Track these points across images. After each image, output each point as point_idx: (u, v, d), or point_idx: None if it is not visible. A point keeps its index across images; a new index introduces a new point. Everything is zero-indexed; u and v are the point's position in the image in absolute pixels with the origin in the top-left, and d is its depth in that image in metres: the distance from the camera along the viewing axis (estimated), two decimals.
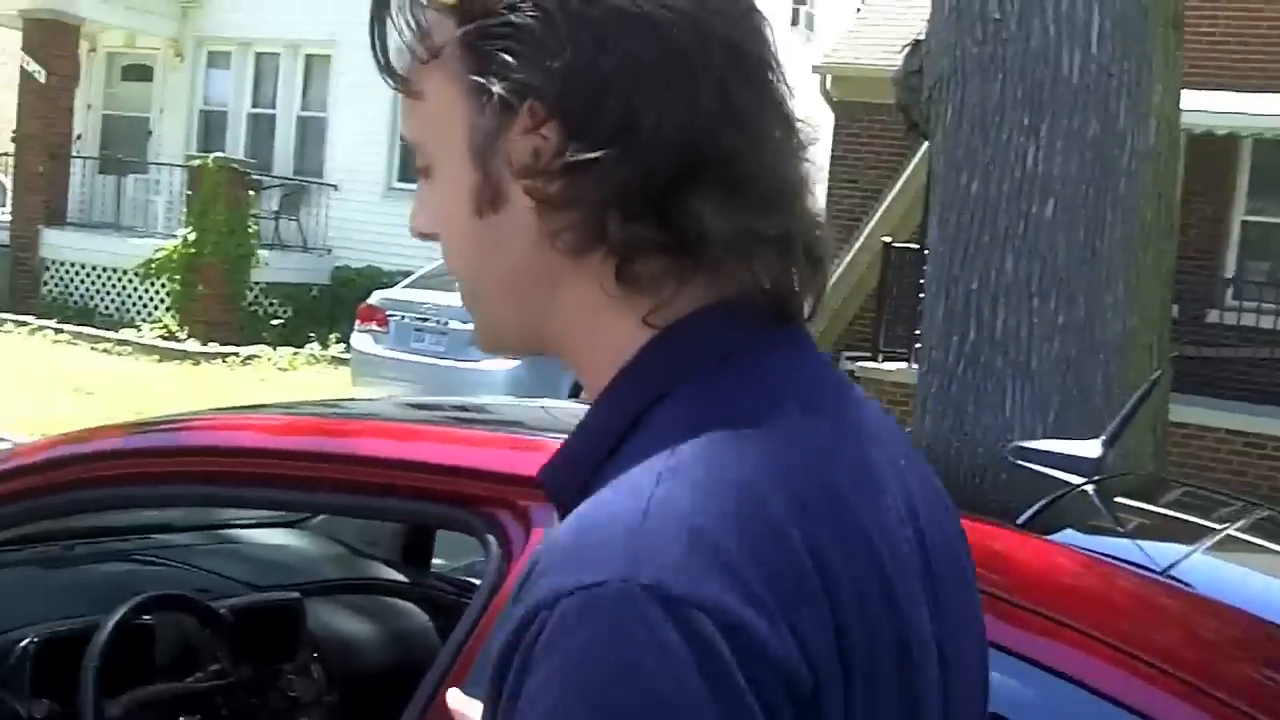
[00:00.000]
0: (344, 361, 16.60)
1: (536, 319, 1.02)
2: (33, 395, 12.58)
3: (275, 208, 19.11)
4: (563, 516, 0.94)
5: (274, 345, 17.01)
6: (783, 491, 0.90)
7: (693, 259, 0.97)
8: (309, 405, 2.96)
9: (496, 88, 0.96)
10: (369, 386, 12.96)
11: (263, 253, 17.82)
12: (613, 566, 0.84)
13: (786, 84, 1.03)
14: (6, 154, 20.15)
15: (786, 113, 1.02)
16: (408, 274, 17.81)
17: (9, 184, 19.87)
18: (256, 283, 18.01)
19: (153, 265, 17.56)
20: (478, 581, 2.91)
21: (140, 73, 21.27)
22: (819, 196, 15.78)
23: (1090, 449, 2.29)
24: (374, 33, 1.02)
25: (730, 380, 0.98)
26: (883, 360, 13.27)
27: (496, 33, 0.96)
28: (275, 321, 18.14)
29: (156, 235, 18.22)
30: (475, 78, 0.97)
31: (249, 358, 16.31)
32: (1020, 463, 2.37)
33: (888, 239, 14.09)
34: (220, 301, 17.40)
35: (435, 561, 3.38)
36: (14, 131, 19.77)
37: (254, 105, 20.46)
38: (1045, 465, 2.30)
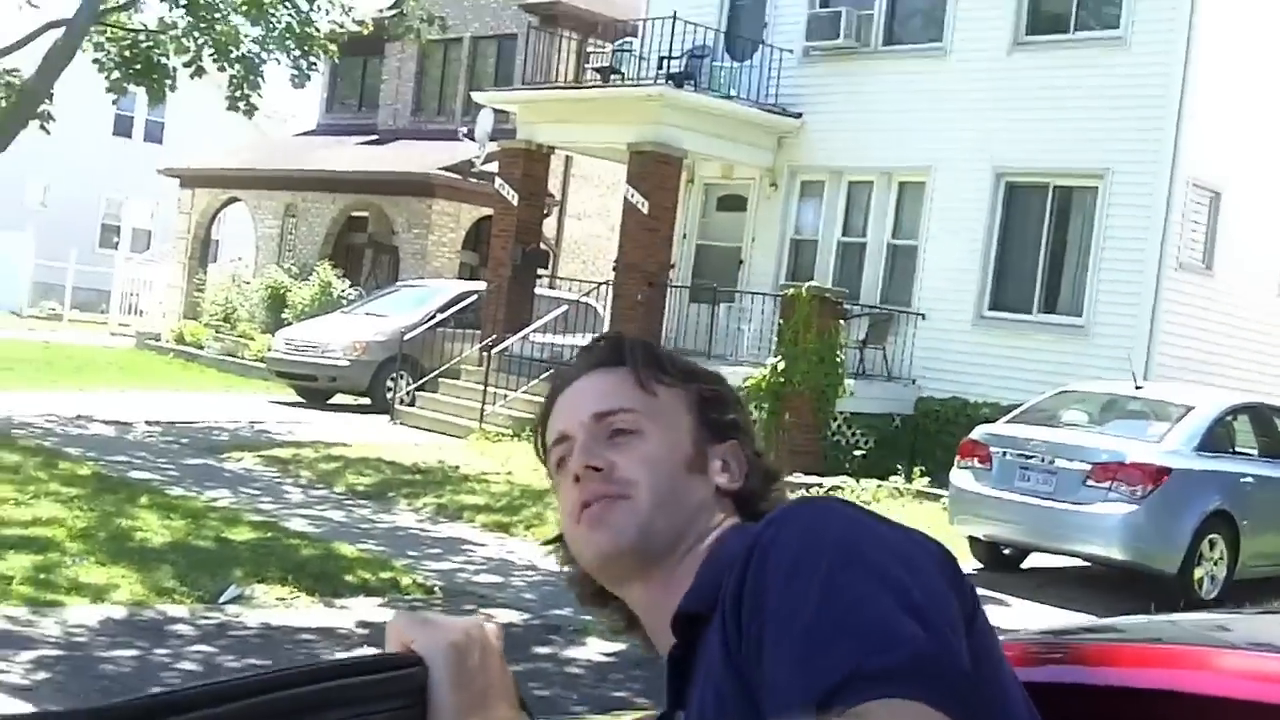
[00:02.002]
0: (929, 496, 16.16)
1: (682, 525, 1.59)
2: None
3: (861, 337, 19.02)
4: (683, 643, 1.50)
5: (856, 476, 16.78)
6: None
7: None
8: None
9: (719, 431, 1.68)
10: (967, 525, 12.44)
11: (849, 382, 17.71)
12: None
13: None
14: (606, 283, 21.10)
15: None
16: (993, 405, 17.26)
17: (608, 312, 20.77)
18: (840, 412, 17.90)
19: (743, 393, 17.77)
20: None
21: (734, 203, 21.89)
22: None
23: None
24: (633, 372, 1.68)
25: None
26: None
27: (718, 401, 1.71)
28: (857, 452, 17.95)
29: (745, 363, 18.47)
30: (705, 417, 1.67)
31: (832, 489, 16.12)
32: None
33: None
34: (805, 430, 17.36)
35: None
36: (615, 261, 20.73)
37: (844, 234, 20.54)
38: None
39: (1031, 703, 1.47)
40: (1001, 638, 1.85)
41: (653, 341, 1.75)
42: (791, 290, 17.72)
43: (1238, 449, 12.58)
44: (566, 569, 1.68)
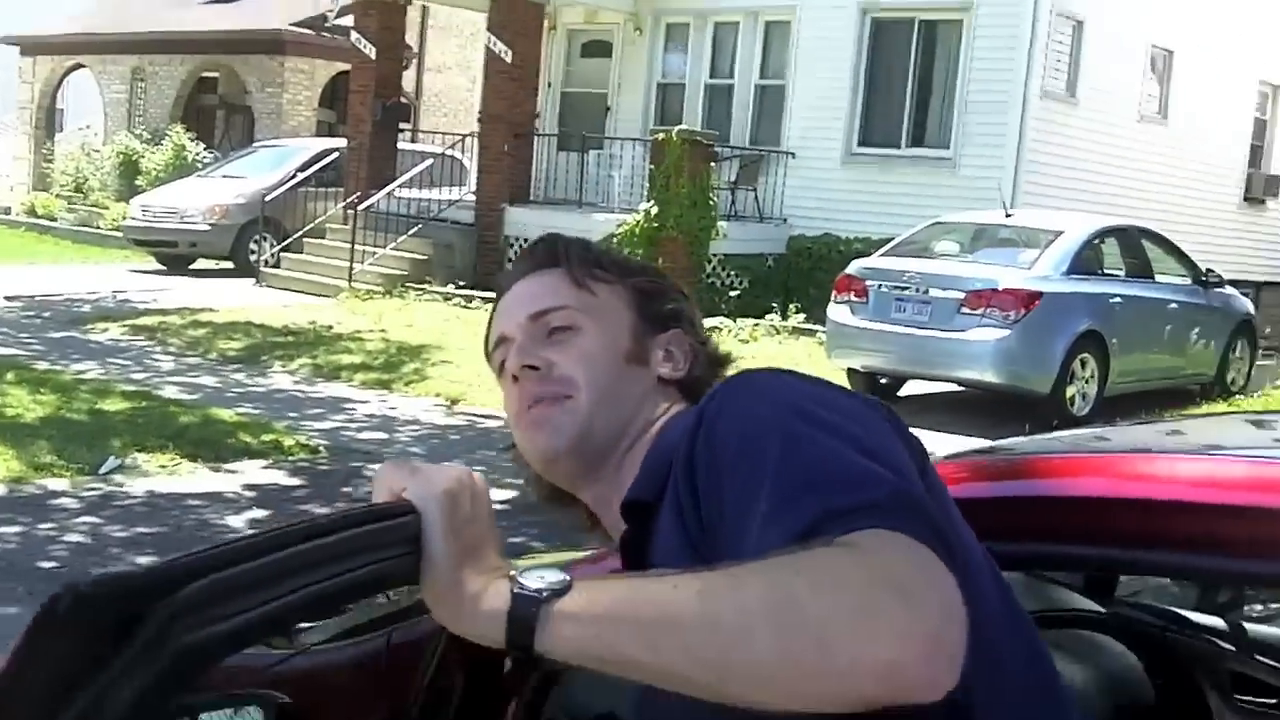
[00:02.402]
0: (805, 332, 16.28)
1: (624, 420, 1.58)
2: None
3: (732, 179, 18.96)
4: (636, 529, 1.50)
5: (732, 317, 16.84)
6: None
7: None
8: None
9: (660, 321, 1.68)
10: (845, 357, 12.56)
11: (722, 224, 17.69)
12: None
13: None
14: (472, 134, 20.77)
15: None
16: (864, 240, 17.38)
17: (473, 165, 20.46)
18: (714, 255, 17.91)
19: (615, 240, 17.68)
20: (1187, 613, 2.38)
21: (599, 49, 21.56)
22: None
23: None
24: (570, 272, 1.66)
25: None
26: None
27: (658, 294, 1.70)
28: (732, 293, 18.00)
29: (616, 210, 18.35)
30: (644, 309, 1.67)
31: (711, 329, 16.10)
32: None
33: None
34: (680, 275, 17.29)
35: None
36: (480, 112, 20.38)
37: (711, 76, 20.34)
38: None
39: (988, 553, 1.44)
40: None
41: (588, 240, 1.74)
42: (661, 135, 17.57)
43: (1106, 271, 12.81)
44: (524, 472, 1.66)
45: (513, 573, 1.21)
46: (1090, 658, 2.61)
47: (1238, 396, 13.87)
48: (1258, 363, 14.91)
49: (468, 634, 1.22)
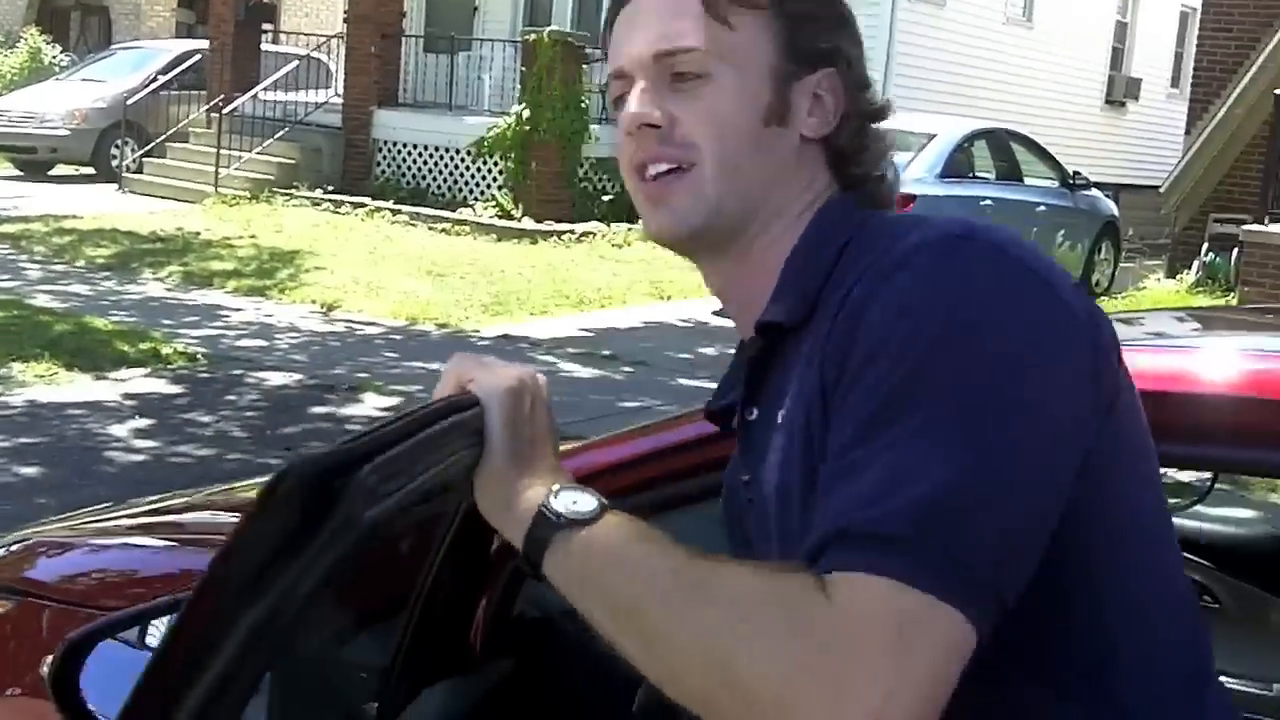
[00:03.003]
0: None
1: (757, 199, 1.34)
2: (390, 278, 12.69)
3: (603, 82, 18.81)
4: (764, 352, 1.33)
5: (606, 221, 16.86)
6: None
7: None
8: None
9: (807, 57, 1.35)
10: None
11: (594, 128, 17.62)
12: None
13: None
14: (338, 36, 20.38)
15: None
16: None
17: (340, 67, 20.09)
18: (587, 158, 17.85)
19: (486, 144, 17.54)
20: None
21: None
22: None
23: None
24: None
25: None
26: (1270, 223, 12.37)
27: (813, 22, 1.37)
28: (605, 197, 17.98)
29: (486, 114, 18.18)
30: (794, 44, 1.35)
31: (584, 234, 16.19)
32: None
33: (1278, 91, 13.07)
34: (554, 179, 17.27)
35: None
36: (345, 13, 19.99)
37: None
38: None
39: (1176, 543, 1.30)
40: None
41: None
42: (533, 36, 17.39)
43: (977, 174, 13.02)
44: None
45: (556, 485, 1.20)
46: None
47: (1103, 298, 14.24)
48: (1121, 264, 15.31)
49: (500, 530, 1.24)
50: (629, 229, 16.42)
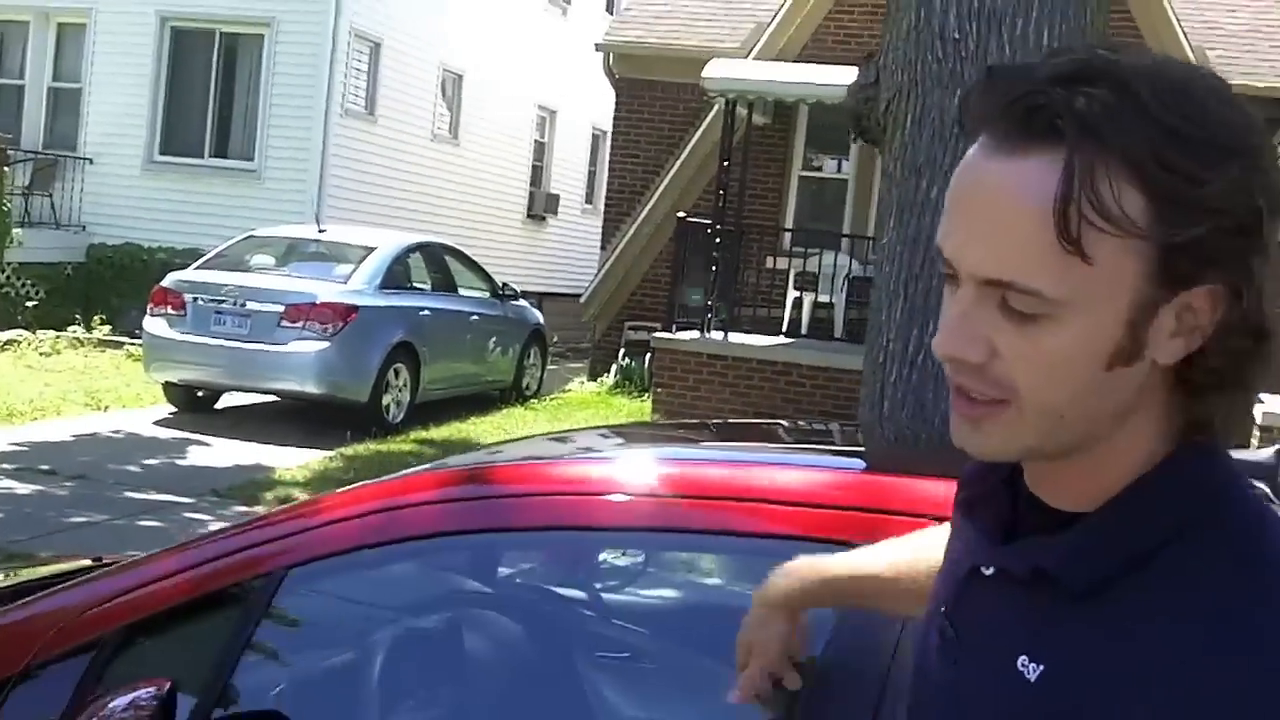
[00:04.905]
0: (111, 344, 16.01)
1: (1086, 435, 1.11)
2: None
3: (26, 183, 18.21)
4: (1025, 592, 1.13)
5: (31, 328, 16.27)
6: None
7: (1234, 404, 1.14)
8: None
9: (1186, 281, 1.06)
10: (163, 371, 12.53)
11: (17, 231, 16.96)
12: None
13: None
14: None
15: None
16: (169, 250, 17.32)
17: None
18: (10, 263, 17.13)
19: None
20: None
21: None
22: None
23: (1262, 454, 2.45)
24: (1061, 197, 1.03)
25: (1257, 504, 1.12)
26: (677, 330, 13.57)
27: (1201, 238, 1.04)
28: (30, 303, 17.32)
29: None
30: (1168, 270, 1.05)
31: (9, 342, 15.56)
32: None
33: (681, 214, 14.41)
34: None
35: None
36: None
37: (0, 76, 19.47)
38: None
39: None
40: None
41: (1154, 111, 1.03)
42: None
43: (414, 285, 13.58)
44: None
45: None
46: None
47: (533, 400, 15.10)
48: (548, 367, 16.29)
49: None
50: (57, 336, 15.93)
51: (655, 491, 2.30)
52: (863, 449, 3.88)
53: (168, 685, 2.24)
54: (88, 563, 3.63)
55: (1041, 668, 1.08)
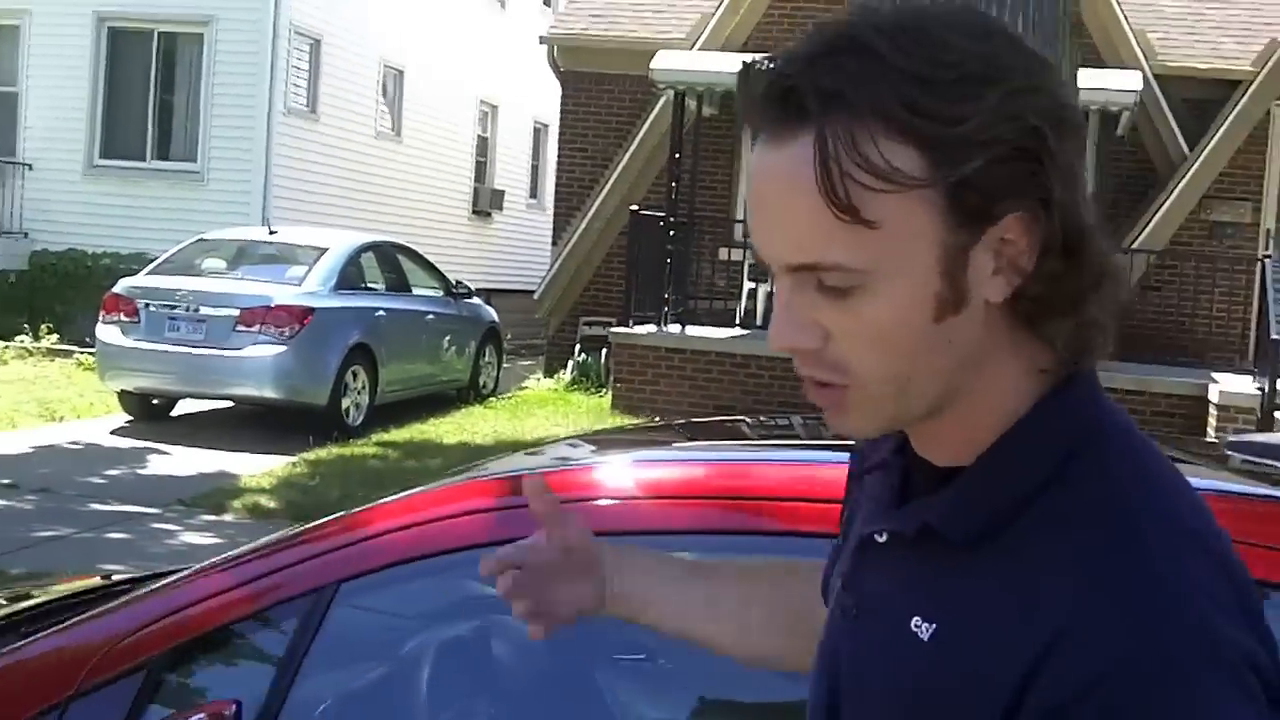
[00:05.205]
0: (60, 353, 15.81)
1: (940, 393, 1.11)
2: None
3: None
4: (914, 548, 1.14)
5: None
6: (1217, 531, 1.09)
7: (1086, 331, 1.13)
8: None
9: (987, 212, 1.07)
10: (118, 379, 12.37)
11: None
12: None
13: None
14: None
15: None
16: (113, 255, 17.11)
17: None
18: None
19: None
20: None
21: None
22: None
23: None
24: (822, 172, 1.04)
25: (1131, 438, 1.14)
26: (634, 325, 13.56)
27: (980, 170, 1.05)
28: None
29: None
30: (963, 206, 1.05)
31: None
32: (1241, 455, 2.56)
33: (634, 206, 14.39)
34: None
35: None
36: None
37: None
38: (1270, 457, 2.50)
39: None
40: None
41: (886, 61, 1.04)
42: None
43: (368, 285, 13.47)
44: None
45: None
46: None
47: (491, 399, 15.03)
48: (504, 365, 16.22)
49: None
50: (5, 346, 15.71)
51: (706, 494, 2.32)
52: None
53: (235, 706, 2.23)
54: (99, 581, 3.60)
55: (934, 626, 1.10)
